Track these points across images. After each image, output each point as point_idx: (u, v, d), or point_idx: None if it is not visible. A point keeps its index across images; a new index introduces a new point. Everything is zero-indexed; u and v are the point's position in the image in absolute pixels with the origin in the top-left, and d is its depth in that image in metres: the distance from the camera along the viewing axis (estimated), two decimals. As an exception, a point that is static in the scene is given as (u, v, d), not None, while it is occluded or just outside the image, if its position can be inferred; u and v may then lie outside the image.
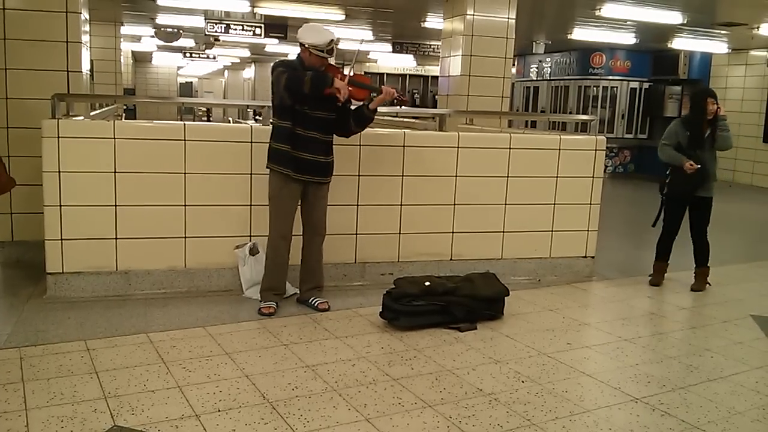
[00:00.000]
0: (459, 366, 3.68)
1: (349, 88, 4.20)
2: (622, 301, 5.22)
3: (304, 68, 4.23)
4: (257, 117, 11.80)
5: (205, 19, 11.94)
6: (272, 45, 16.40)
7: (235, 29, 12.18)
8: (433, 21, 11.32)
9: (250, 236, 4.81)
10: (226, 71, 31.25)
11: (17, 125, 5.21)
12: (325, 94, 4.14)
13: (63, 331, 3.99)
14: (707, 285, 5.49)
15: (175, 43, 15.79)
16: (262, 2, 10.20)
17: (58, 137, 4.41)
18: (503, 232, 5.43)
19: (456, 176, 5.22)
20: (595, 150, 5.56)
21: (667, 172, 5.37)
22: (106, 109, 7.43)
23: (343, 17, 11.03)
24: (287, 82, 4.09)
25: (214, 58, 22.49)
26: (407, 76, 21.95)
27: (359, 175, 4.97)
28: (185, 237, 4.71)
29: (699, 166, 5.17)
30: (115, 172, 4.52)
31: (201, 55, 21.20)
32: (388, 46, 16.03)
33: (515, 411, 3.17)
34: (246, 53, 21.36)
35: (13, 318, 4.17)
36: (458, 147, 5.21)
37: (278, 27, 12.65)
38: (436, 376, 3.53)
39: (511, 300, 4.60)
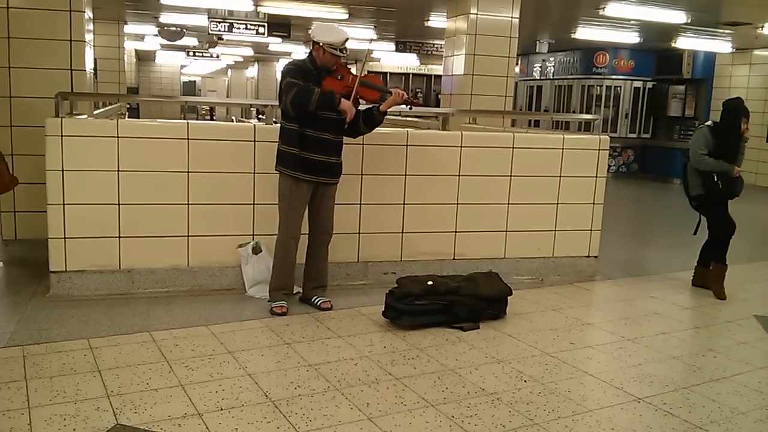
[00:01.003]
0: (462, 365, 3.68)
1: (360, 89, 4.22)
2: (626, 301, 5.21)
3: (316, 68, 4.25)
4: (260, 116, 11.80)
5: (209, 17, 11.94)
6: (276, 44, 16.39)
7: (239, 28, 12.17)
8: (437, 20, 11.31)
9: (253, 235, 4.82)
10: (229, 70, 31.28)
11: (21, 124, 5.22)
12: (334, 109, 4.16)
13: (66, 329, 3.99)
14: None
15: (178, 42, 15.80)
16: (266, 1, 10.19)
17: (62, 136, 4.42)
18: (506, 231, 5.42)
19: (459, 175, 5.22)
20: (599, 149, 5.56)
21: (716, 179, 5.26)
22: (109, 107, 7.45)
23: (346, 16, 11.03)
24: (295, 97, 4.09)
25: (218, 56, 22.49)
26: (410, 75, 21.93)
27: (362, 174, 4.97)
28: (188, 236, 4.72)
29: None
30: (118, 170, 4.52)
31: (204, 54, 21.19)
32: (392, 45, 16.01)
33: (518, 410, 3.17)
34: (249, 52, 21.37)
35: (16, 316, 4.17)
36: (461, 146, 5.21)
37: (282, 26, 12.64)
38: (439, 376, 3.53)
39: (514, 299, 4.60)
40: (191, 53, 21.21)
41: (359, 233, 5.07)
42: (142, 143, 4.59)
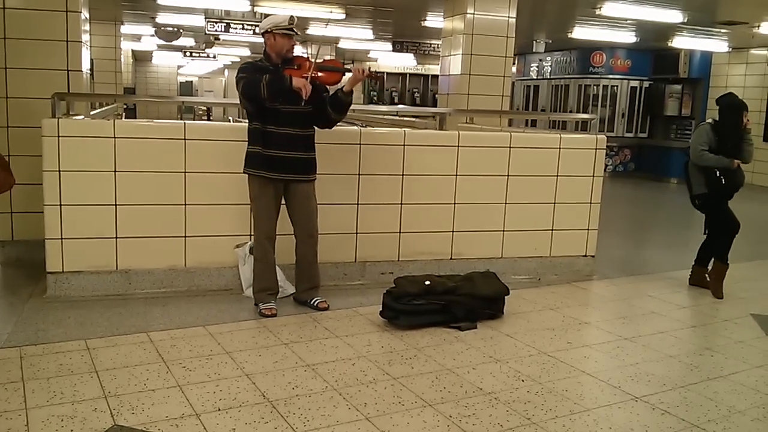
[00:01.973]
0: (459, 365, 3.68)
1: (319, 74, 4.16)
2: (623, 300, 5.22)
3: (272, 62, 4.21)
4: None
5: (206, 18, 11.93)
6: (272, 44, 16.36)
7: (235, 28, 12.16)
8: (434, 20, 11.32)
9: (250, 235, 4.81)
10: (226, 70, 31.21)
11: (17, 124, 5.21)
12: (290, 91, 4.08)
13: (63, 330, 3.99)
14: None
15: (175, 42, 15.77)
16: (262, 1, 10.18)
17: (59, 136, 4.41)
18: (503, 231, 5.43)
19: (456, 175, 5.22)
20: (596, 149, 5.56)
21: (718, 175, 5.24)
22: (106, 108, 7.43)
23: (343, 16, 11.03)
24: (244, 90, 4.08)
25: (215, 57, 22.45)
26: (407, 75, 21.92)
27: (359, 174, 4.97)
28: (185, 236, 4.71)
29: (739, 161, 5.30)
30: (115, 171, 4.52)
31: (201, 54, 21.17)
32: (389, 45, 16.02)
33: (515, 410, 3.17)
34: (246, 52, 21.33)
35: (13, 317, 4.17)
36: (458, 146, 5.21)
37: (278, 26, 12.60)
38: (437, 375, 3.53)
39: (511, 299, 4.60)
40: (188, 53, 21.18)
41: (356, 233, 5.06)
42: (139, 144, 4.58)
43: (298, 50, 4.27)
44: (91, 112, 6.15)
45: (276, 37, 4.19)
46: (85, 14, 5.57)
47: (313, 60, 4.26)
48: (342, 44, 15.98)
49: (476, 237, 5.36)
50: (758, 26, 10.50)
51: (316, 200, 4.44)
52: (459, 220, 5.28)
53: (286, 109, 4.17)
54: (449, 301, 4.28)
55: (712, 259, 5.48)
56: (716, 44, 12.78)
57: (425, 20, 11.76)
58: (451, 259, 5.32)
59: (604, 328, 4.49)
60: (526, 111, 17.19)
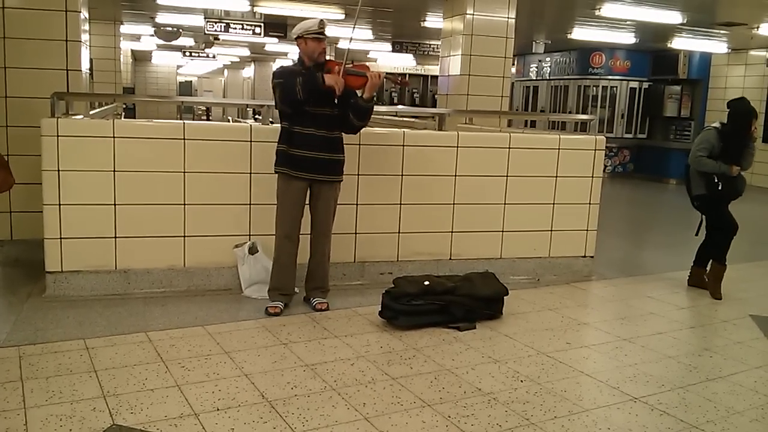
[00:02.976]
0: (458, 365, 3.68)
1: (346, 77, 4.26)
2: (622, 301, 5.22)
3: (304, 66, 4.32)
4: (257, 116, 11.80)
5: (205, 18, 11.93)
6: (272, 44, 16.38)
7: (235, 28, 12.17)
8: (433, 20, 11.32)
9: (250, 235, 4.81)
10: (225, 70, 31.24)
11: (16, 124, 5.21)
12: (323, 90, 4.19)
13: (62, 329, 3.99)
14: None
15: (174, 42, 15.77)
16: (262, 1, 10.19)
17: (58, 136, 4.41)
18: (502, 231, 5.43)
19: (455, 176, 5.22)
20: (595, 150, 5.56)
21: (716, 180, 5.27)
22: (105, 108, 7.43)
23: (342, 16, 11.03)
24: (281, 96, 4.21)
25: (214, 57, 22.47)
26: (407, 76, 21.92)
27: (358, 175, 4.97)
28: (184, 236, 4.71)
29: (740, 167, 5.31)
30: (114, 171, 4.52)
31: (200, 54, 21.18)
32: (388, 46, 16.02)
33: (514, 410, 3.17)
34: (246, 52, 21.35)
35: (12, 317, 4.16)
36: (458, 146, 5.21)
37: (278, 26, 12.63)
38: (435, 376, 3.53)
39: (510, 299, 4.60)
40: (187, 53, 21.20)
41: (356, 233, 5.06)
42: (138, 143, 4.58)
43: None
44: (91, 112, 6.15)
45: (307, 41, 4.33)
46: (84, 14, 5.57)
47: (339, 64, 4.35)
48: (341, 44, 15.97)
49: (475, 237, 5.37)
50: (757, 27, 10.51)
51: (336, 202, 4.52)
52: (458, 221, 5.29)
53: (316, 111, 4.27)
54: (448, 301, 4.28)
55: (711, 260, 5.49)
56: (715, 45, 12.80)
57: (425, 21, 11.76)
58: (450, 259, 5.32)
59: (603, 329, 4.50)
60: (526, 112, 17.21)
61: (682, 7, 9.51)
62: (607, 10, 9.42)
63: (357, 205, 5.02)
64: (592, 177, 5.59)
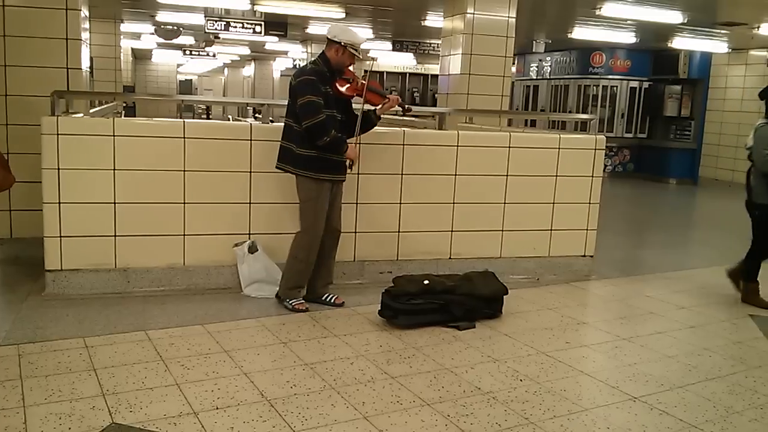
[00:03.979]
0: (457, 364, 3.68)
1: (367, 94, 4.39)
2: (621, 300, 5.22)
3: (330, 69, 4.29)
4: (257, 115, 11.79)
5: (205, 16, 11.92)
6: (272, 43, 16.38)
7: (235, 27, 12.15)
8: (433, 19, 11.31)
9: (249, 234, 4.81)
10: (225, 69, 31.23)
11: (17, 122, 5.21)
12: (341, 96, 4.33)
13: (61, 328, 3.99)
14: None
15: (174, 41, 15.77)
16: (263, 0, 10.18)
17: (58, 134, 4.41)
18: (502, 230, 5.43)
19: (455, 175, 5.22)
20: (595, 149, 5.56)
21: None
22: (105, 106, 7.43)
23: (343, 15, 11.02)
24: (313, 128, 4.17)
25: (214, 55, 22.45)
26: (407, 75, 21.90)
27: (358, 174, 4.96)
28: (184, 234, 4.71)
29: None
30: (114, 169, 4.52)
31: (201, 53, 21.16)
32: (388, 45, 16.01)
33: (513, 409, 3.17)
34: (246, 51, 21.35)
35: (11, 315, 4.17)
36: (458, 146, 5.21)
37: (278, 25, 12.63)
38: (435, 375, 3.53)
39: (509, 299, 4.60)
40: (188, 52, 21.18)
41: (355, 232, 5.06)
42: (139, 142, 4.58)
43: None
44: (91, 110, 6.15)
45: (345, 51, 4.29)
46: (84, 12, 5.57)
47: (360, 78, 4.43)
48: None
49: (475, 237, 5.37)
50: (758, 27, 10.50)
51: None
52: (458, 220, 5.29)
53: (338, 116, 4.34)
54: (448, 300, 4.28)
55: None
56: (716, 45, 12.79)
57: (425, 20, 11.75)
58: (449, 258, 5.32)
59: (603, 328, 4.50)
60: (526, 111, 17.19)
61: (682, 7, 9.50)
62: (607, 10, 9.41)
63: (357, 204, 5.01)
64: (592, 176, 5.59)
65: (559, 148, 5.47)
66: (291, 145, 4.32)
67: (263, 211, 4.80)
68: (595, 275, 5.75)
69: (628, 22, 10.77)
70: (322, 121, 4.17)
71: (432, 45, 15.61)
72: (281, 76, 24.43)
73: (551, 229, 5.56)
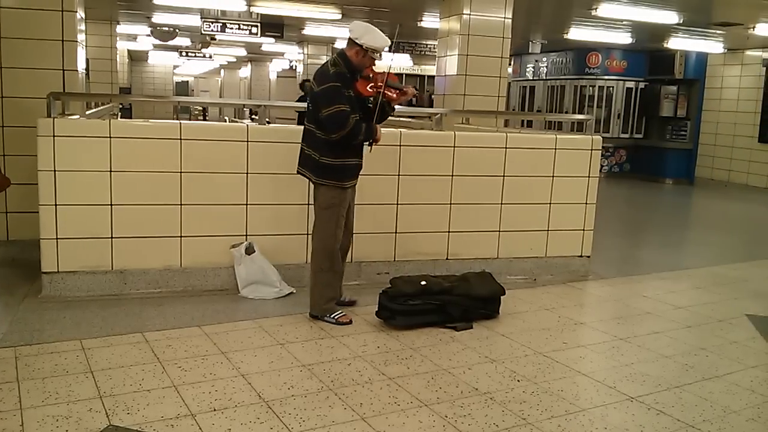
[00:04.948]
0: (455, 365, 3.68)
1: (386, 89, 4.28)
2: (618, 301, 5.23)
3: (350, 69, 4.15)
4: (253, 116, 11.78)
5: (202, 18, 11.92)
6: (268, 44, 16.37)
7: (232, 28, 12.15)
8: (430, 20, 11.32)
9: (246, 236, 4.81)
10: (222, 70, 31.22)
11: (13, 124, 5.20)
12: (361, 96, 4.20)
13: (58, 330, 3.98)
14: None
15: (171, 42, 15.76)
16: (259, 1, 10.18)
17: (54, 136, 4.40)
18: (499, 231, 5.43)
19: (452, 175, 5.22)
20: (591, 149, 5.57)
21: None
22: (101, 108, 7.41)
23: (339, 16, 11.03)
24: (342, 140, 4.06)
25: (210, 57, 22.45)
26: (403, 76, 21.87)
27: (355, 175, 4.97)
28: (181, 236, 4.71)
29: None
30: (110, 171, 4.51)
31: (197, 54, 21.15)
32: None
33: (511, 410, 3.17)
34: (242, 52, 21.32)
35: (8, 317, 4.16)
36: (454, 146, 5.21)
37: (274, 26, 12.63)
38: (432, 376, 3.53)
39: (507, 299, 4.61)
40: (184, 53, 21.16)
41: (352, 233, 5.05)
42: (135, 143, 4.58)
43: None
44: (87, 112, 6.13)
45: (366, 55, 4.14)
46: (80, 14, 5.56)
47: (382, 74, 4.29)
48: (338, 45, 15.97)
49: (472, 237, 5.37)
50: (753, 28, 10.53)
51: None
52: (455, 221, 5.29)
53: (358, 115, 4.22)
54: (445, 301, 4.28)
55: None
56: (711, 45, 12.82)
57: (421, 21, 11.76)
58: (447, 259, 5.32)
59: (600, 329, 4.50)
60: (522, 112, 17.21)
61: (678, 8, 9.52)
62: (603, 11, 9.43)
63: (354, 205, 5.00)
64: (589, 177, 5.60)
65: (555, 149, 5.48)
66: (314, 153, 4.17)
67: (260, 212, 4.80)
68: (592, 275, 5.76)
69: (624, 22, 10.79)
70: (352, 131, 4.05)
71: (428, 46, 15.62)
72: (278, 77, 24.42)
73: (548, 230, 5.56)
